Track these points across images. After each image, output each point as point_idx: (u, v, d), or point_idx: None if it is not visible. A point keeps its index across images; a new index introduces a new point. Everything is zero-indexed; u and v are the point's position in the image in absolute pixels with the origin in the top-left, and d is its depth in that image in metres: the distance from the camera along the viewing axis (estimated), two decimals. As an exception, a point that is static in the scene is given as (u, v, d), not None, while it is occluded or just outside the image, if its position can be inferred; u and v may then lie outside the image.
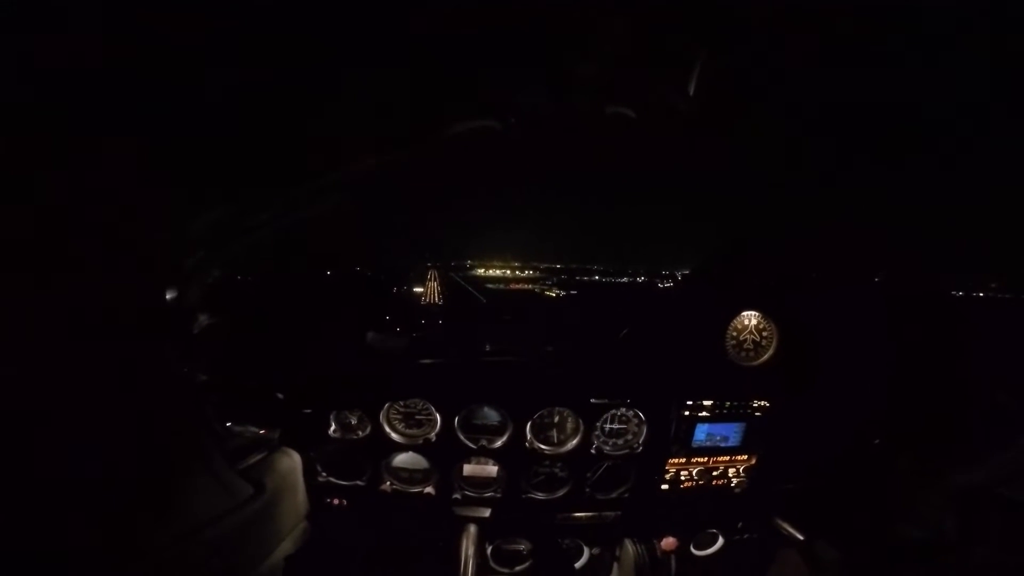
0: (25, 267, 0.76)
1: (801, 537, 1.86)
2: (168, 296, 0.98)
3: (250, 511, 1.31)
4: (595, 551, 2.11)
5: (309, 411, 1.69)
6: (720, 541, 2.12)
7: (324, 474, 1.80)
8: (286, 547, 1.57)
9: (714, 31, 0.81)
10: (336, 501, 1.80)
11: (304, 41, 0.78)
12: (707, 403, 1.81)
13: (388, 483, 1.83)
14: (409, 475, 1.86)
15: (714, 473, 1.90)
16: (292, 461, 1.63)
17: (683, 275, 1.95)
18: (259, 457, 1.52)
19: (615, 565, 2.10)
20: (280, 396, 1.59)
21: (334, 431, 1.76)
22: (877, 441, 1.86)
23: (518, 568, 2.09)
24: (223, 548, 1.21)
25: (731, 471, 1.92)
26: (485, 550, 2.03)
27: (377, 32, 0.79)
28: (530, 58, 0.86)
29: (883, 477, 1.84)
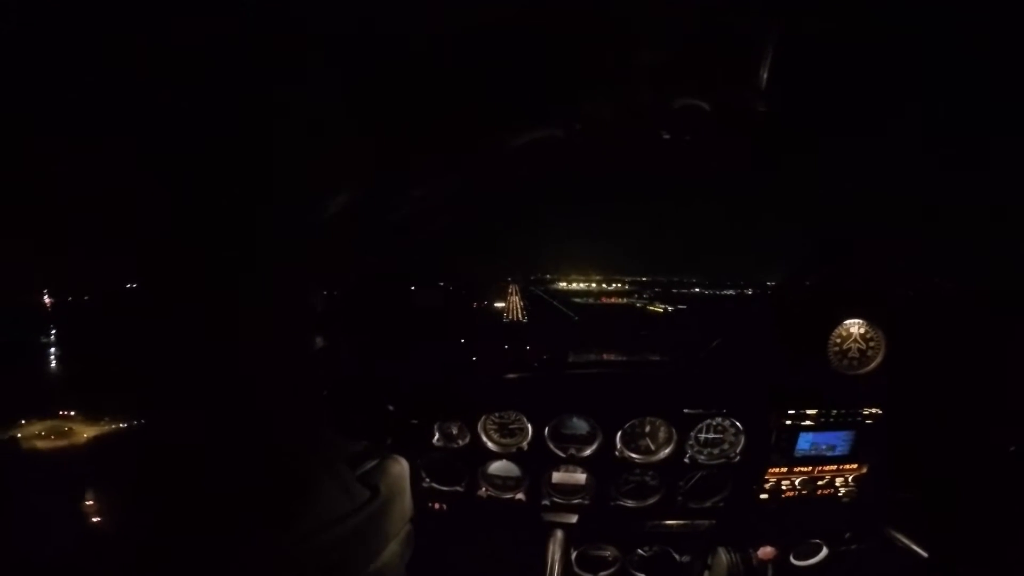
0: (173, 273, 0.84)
1: (918, 548, 1.73)
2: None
3: (366, 514, 1.42)
4: (685, 559, 2.08)
5: (416, 422, 1.81)
6: (824, 551, 2.02)
7: (428, 480, 1.92)
8: (392, 549, 1.68)
9: (787, 11, 0.74)
10: (437, 506, 1.91)
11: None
12: (811, 412, 1.74)
13: (484, 489, 1.91)
14: (502, 482, 1.93)
15: (819, 483, 1.81)
16: (401, 467, 1.74)
17: (780, 283, 1.85)
18: (373, 463, 1.64)
19: (706, 573, 2.06)
20: (391, 408, 1.71)
21: (437, 440, 1.88)
22: (1013, 448, 1.69)
23: (602, 574, 2.11)
24: (339, 548, 1.29)
25: (839, 480, 1.83)
26: (570, 555, 2.06)
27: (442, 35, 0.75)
28: (593, 55, 0.82)
29: (1016, 487, 1.67)
